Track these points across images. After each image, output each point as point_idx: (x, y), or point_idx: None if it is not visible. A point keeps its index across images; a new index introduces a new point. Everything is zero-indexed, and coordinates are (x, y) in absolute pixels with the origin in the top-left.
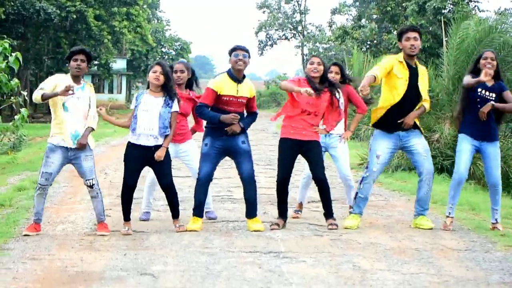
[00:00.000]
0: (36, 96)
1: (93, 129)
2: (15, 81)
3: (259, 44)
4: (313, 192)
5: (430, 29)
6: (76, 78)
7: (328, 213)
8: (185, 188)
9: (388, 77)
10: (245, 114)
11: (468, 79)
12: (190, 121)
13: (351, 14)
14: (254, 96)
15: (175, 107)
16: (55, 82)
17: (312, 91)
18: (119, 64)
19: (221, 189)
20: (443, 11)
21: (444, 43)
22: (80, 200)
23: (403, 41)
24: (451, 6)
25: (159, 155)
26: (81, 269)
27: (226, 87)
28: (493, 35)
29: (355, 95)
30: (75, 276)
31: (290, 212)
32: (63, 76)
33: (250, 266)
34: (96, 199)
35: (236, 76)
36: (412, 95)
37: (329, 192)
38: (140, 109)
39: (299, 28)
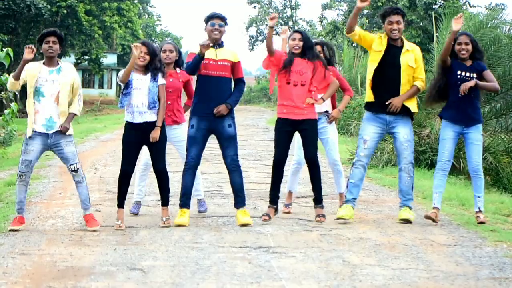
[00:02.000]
0: (9, 81)
1: (75, 115)
2: (5, 76)
3: (250, 39)
4: (303, 187)
5: (421, 24)
6: (51, 61)
7: (317, 199)
8: (175, 183)
9: (370, 53)
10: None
11: (444, 46)
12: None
13: (342, 10)
14: (239, 61)
15: (161, 80)
16: (26, 67)
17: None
18: (110, 59)
19: (211, 184)
20: (433, 6)
21: (435, 38)
22: (70, 195)
23: (385, 24)
24: (442, 1)
25: (154, 136)
26: (71, 264)
27: (206, 52)
28: (483, 30)
29: (340, 77)
30: (65, 271)
31: (280, 207)
32: (35, 63)
33: (240, 261)
34: (81, 184)
35: (213, 42)
36: (391, 71)
37: (319, 174)
38: (133, 88)
39: (290, 23)
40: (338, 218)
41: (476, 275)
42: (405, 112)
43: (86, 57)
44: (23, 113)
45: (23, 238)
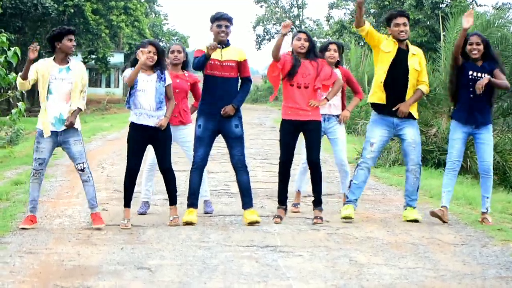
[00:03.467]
0: (18, 81)
1: (80, 110)
2: (13, 75)
3: (257, 38)
4: (310, 186)
5: (428, 23)
6: (63, 58)
7: (317, 201)
8: (182, 183)
9: (376, 53)
10: (239, 84)
11: (455, 42)
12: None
13: (348, 9)
14: (245, 60)
15: (168, 79)
16: (36, 67)
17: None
18: (117, 58)
19: (218, 183)
20: (440, 5)
21: (442, 37)
22: (77, 194)
23: (392, 26)
24: (449, 1)
25: (162, 123)
26: (78, 263)
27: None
28: (490, 29)
29: (352, 79)
30: (72, 270)
31: (289, 207)
32: (46, 61)
33: (247, 260)
34: (88, 183)
35: (218, 43)
36: (399, 73)
37: (320, 177)
38: (137, 89)
39: (297, 22)
40: (343, 218)
41: (483, 274)
42: (410, 115)
43: (93, 56)
44: (30, 112)
45: (30, 237)
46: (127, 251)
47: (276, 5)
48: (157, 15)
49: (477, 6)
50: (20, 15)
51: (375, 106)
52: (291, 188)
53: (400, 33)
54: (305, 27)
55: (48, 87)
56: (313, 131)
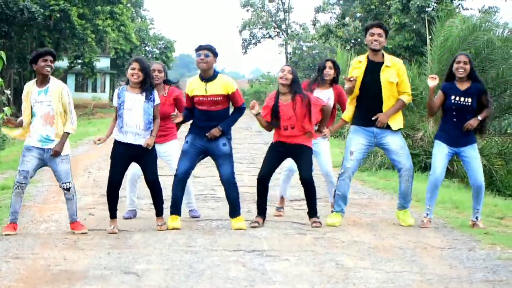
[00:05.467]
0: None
1: (69, 134)
2: None
3: (243, 42)
4: (296, 190)
5: (414, 27)
6: (43, 80)
7: (312, 213)
8: (168, 187)
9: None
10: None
11: (427, 104)
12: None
13: (335, 13)
14: (233, 92)
15: (157, 99)
16: (26, 90)
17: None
18: (103, 63)
19: (204, 187)
20: (427, 9)
21: (428, 41)
22: (64, 199)
23: (367, 36)
24: (435, 4)
25: (148, 143)
26: (65, 268)
27: (196, 88)
28: (477, 33)
29: (344, 98)
30: (59, 275)
31: (272, 210)
32: (31, 83)
33: (233, 264)
34: (71, 200)
35: (203, 75)
36: (372, 89)
37: (314, 193)
38: (124, 108)
39: (283, 26)
40: (328, 225)
41: (470, 278)
42: (389, 126)
43: (79, 61)
44: (16, 117)
45: (16, 242)
46: (114, 256)
47: (262, 9)
48: (143, 20)
49: (463, 9)
50: (6, 19)
51: (353, 120)
52: (275, 192)
53: (373, 42)
54: (291, 31)
55: (32, 110)
56: (303, 154)
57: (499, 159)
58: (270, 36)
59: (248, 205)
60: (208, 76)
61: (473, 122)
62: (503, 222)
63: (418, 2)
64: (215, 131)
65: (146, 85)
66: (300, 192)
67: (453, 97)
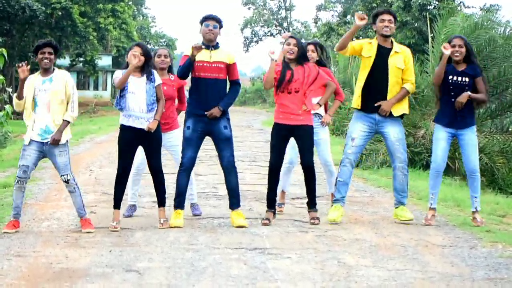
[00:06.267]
0: (14, 102)
1: (68, 123)
2: (0, 77)
3: (245, 40)
4: (298, 188)
5: (416, 25)
6: (46, 70)
7: (311, 203)
8: (170, 185)
9: (361, 59)
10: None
11: (436, 71)
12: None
13: (336, 11)
14: (234, 63)
15: (158, 79)
16: (29, 81)
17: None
18: (104, 60)
19: (206, 185)
20: (428, 7)
21: (430, 39)
22: (65, 197)
23: (377, 22)
24: (437, 2)
25: (151, 127)
26: (66, 266)
27: (199, 54)
28: (478, 31)
29: (334, 80)
30: (60, 272)
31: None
32: (34, 75)
33: (235, 262)
34: (74, 193)
35: (209, 44)
36: (380, 74)
37: (314, 180)
38: (128, 92)
39: (285, 24)
40: (329, 221)
41: (471, 276)
42: (391, 114)
43: (81, 59)
44: (18, 115)
45: (18, 240)
46: (116, 254)
47: (264, 7)
48: (144, 18)
49: (465, 7)
50: (8, 18)
51: (355, 104)
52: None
53: (384, 28)
54: (293, 29)
55: (35, 99)
56: (304, 136)
57: (501, 157)
58: (271, 34)
59: (250, 203)
60: (213, 44)
61: (462, 99)
62: (505, 220)
63: (420, 0)
64: (215, 111)
65: (147, 68)
66: (301, 190)
67: (450, 76)
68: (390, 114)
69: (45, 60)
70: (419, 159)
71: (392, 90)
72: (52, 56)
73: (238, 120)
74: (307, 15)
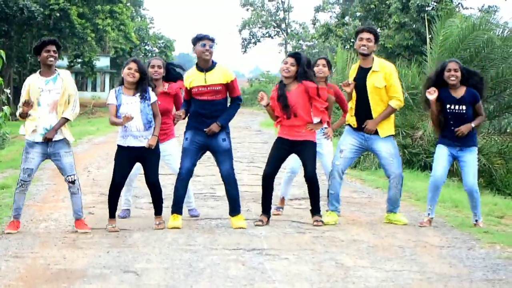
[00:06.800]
0: (18, 114)
1: (67, 120)
2: None
3: (243, 41)
4: (296, 189)
5: (414, 26)
6: (48, 70)
7: (315, 210)
8: (168, 186)
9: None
10: (228, 101)
11: (429, 100)
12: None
13: (334, 12)
14: (232, 81)
15: (153, 97)
16: (28, 83)
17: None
18: (103, 62)
19: (204, 186)
20: (426, 8)
21: (428, 40)
22: (63, 198)
23: (357, 40)
24: (435, 4)
25: (151, 143)
26: (64, 267)
27: (195, 79)
28: (476, 32)
29: (342, 97)
30: (58, 273)
31: (272, 210)
32: (33, 76)
33: (233, 263)
34: (76, 195)
35: (202, 66)
36: (362, 95)
37: (318, 191)
38: (121, 113)
39: (283, 25)
40: (325, 223)
41: (469, 277)
42: (377, 132)
43: (79, 60)
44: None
45: (16, 241)
46: (113, 255)
47: (262, 9)
48: (143, 19)
49: (463, 9)
50: (6, 19)
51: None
52: (277, 191)
53: (361, 47)
54: (291, 30)
55: (38, 100)
56: (306, 149)
57: (499, 158)
58: (270, 36)
59: (248, 204)
60: (207, 66)
61: (464, 129)
62: (503, 221)
63: (418, 2)
64: (214, 127)
65: (141, 86)
66: (299, 191)
67: (448, 105)
68: (376, 133)
69: (51, 58)
70: (417, 160)
71: (376, 109)
72: (57, 55)
73: (236, 121)
74: (305, 16)
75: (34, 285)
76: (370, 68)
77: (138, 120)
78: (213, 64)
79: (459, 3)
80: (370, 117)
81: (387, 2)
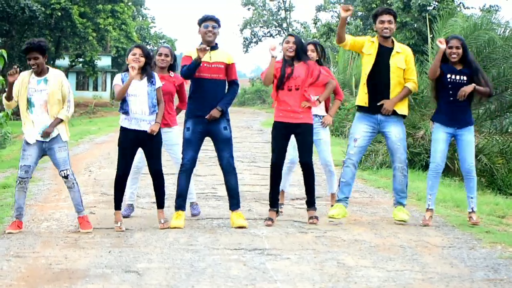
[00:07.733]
0: (4, 103)
1: (61, 120)
2: (0, 78)
3: (244, 41)
4: (298, 189)
5: (415, 26)
6: (41, 71)
7: (310, 201)
8: (169, 186)
9: (362, 57)
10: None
11: (431, 65)
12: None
13: (336, 11)
14: (233, 63)
15: (158, 82)
16: (21, 79)
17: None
18: (104, 61)
19: (205, 186)
20: (428, 8)
21: (429, 40)
22: (65, 198)
23: (377, 23)
24: (436, 3)
25: (153, 129)
26: (66, 267)
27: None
28: (478, 32)
29: (333, 79)
30: (60, 273)
31: None
32: (25, 72)
33: (234, 263)
34: (73, 189)
35: (208, 45)
36: (382, 74)
37: (313, 178)
38: (129, 95)
39: (284, 25)
40: (329, 217)
41: (471, 276)
42: (395, 112)
43: (80, 60)
44: (17, 115)
45: (18, 240)
46: (115, 255)
47: (263, 8)
48: (144, 18)
49: (465, 8)
50: (7, 18)
51: (359, 106)
52: None
53: (383, 30)
54: (293, 29)
55: (30, 100)
56: (304, 134)
57: (500, 158)
58: (271, 35)
59: (249, 204)
60: (212, 45)
61: (467, 89)
62: (504, 220)
63: (419, 1)
64: (215, 112)
65: (146, 71)
66: (301, 191)
67: (449, 75)
68: (393, 113)
69: (33, 65)
70: (418, 160)
71: (394, 90)
72: (39, 60)
73: (237, 120)
74: (306, 15)
75: (35, 285)
76: (392, 49)
77: (144, 103)
78: (217, 45)
79: (460, 3)
80: (386, 97)
81: (388, 1)
